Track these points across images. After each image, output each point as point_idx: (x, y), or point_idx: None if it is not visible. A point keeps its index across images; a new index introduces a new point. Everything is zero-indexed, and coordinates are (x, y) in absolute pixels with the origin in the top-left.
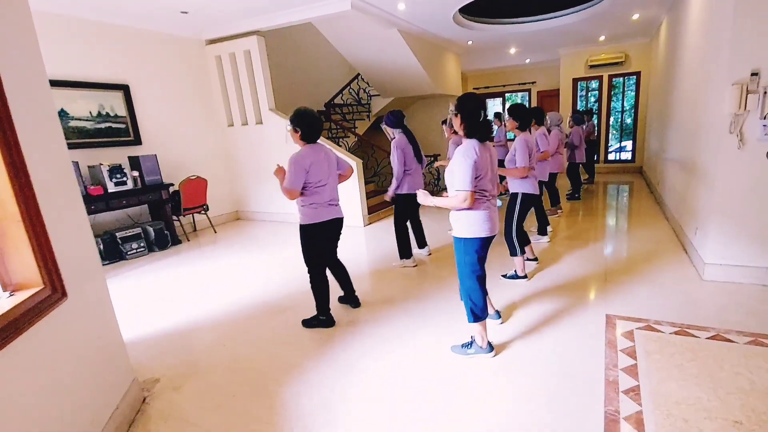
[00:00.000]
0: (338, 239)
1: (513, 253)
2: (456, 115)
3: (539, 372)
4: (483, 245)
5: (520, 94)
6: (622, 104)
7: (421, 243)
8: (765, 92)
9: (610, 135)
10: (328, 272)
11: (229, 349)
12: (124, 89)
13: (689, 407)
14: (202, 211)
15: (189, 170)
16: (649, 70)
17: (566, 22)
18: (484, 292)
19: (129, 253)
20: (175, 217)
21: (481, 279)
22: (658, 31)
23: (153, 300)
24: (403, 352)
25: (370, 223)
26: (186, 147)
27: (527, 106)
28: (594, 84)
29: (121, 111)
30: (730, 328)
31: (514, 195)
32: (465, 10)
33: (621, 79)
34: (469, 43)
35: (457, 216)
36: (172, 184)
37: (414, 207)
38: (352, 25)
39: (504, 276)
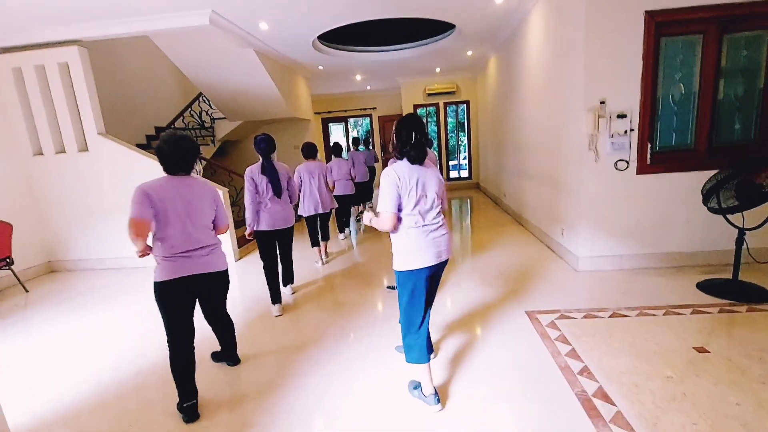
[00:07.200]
0: (214, 299)
1: None
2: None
3: (501, 373)
4: None
5: (361, 119)
6: (456, 126)
7: (288, 279)
8: (610, 117)
9: (449, 154)
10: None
11: None
12: None
13: (632, 374)
14: (4, 266)
15: None
16: (477, 100)
17: (410, 54)
18: None
19: None
20: None
21: None
22: (485, 68)
23: None
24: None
25: (242, 258)
26: None
27: (370, 130)
28: (432, 110)
29: None
30: (620, 306)
31: None
32: (320, 36)
33: (454, 106)
34: (320, 67)
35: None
36: None
37: (276, 244)
38: (201, 41)
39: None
